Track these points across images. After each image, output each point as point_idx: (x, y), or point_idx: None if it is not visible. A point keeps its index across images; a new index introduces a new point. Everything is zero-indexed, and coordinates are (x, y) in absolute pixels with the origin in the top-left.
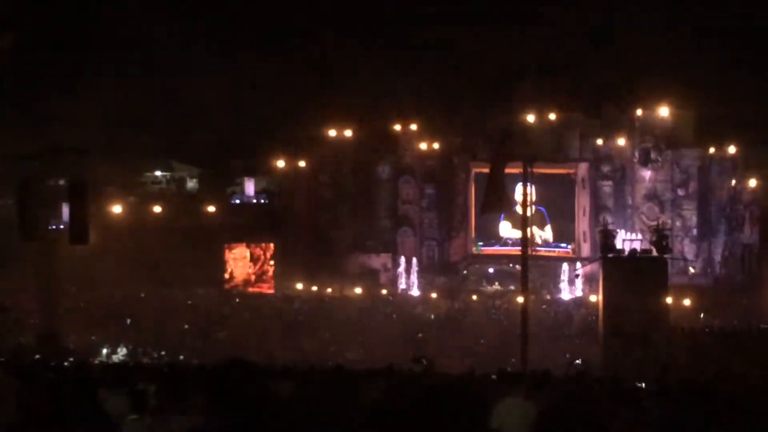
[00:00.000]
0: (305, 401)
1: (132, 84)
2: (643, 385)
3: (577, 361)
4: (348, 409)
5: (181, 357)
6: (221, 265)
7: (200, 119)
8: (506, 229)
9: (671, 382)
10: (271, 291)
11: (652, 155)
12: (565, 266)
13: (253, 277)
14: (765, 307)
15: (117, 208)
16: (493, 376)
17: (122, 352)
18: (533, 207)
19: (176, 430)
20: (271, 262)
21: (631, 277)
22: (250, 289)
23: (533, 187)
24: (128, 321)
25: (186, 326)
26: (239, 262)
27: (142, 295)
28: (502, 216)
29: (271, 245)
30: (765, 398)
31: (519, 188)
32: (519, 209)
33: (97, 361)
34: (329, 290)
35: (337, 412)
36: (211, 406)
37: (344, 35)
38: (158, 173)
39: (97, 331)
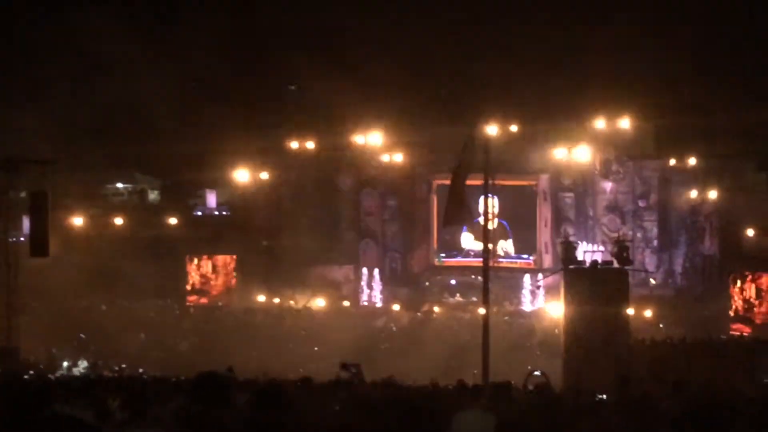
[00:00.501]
0: (270, 413)
1: (94, 95)
2: (604, 396)
3: (536, 373)
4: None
5: (141, 370)
6: (183, 277)
7: (163, 130)
8: (468, 241)
9: (631, 394)
10: (233, 303)
11: (614, 167)
12: (526, 278)
13: (214, 289)
14: (725, 317)
15: (78, 220)
16: (454, 388)
17: (83, 365)
18: (496, 220)
19: None
20: (233, 274)
21: (592, 289)
22: (212, 301)
23: (496, 200)
24: (88, 334)
25: (146, 338)
26: (201, 274)
27: (103, 307)
28: (465, 228)
29: (233, 257)
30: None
31: (482, 200)
32: (481, 221)
33: (57, 375)
34: (291, 302)
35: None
36: (176, 420)
37: (306, 47)
38: (120, 185)
39: (58, 344)
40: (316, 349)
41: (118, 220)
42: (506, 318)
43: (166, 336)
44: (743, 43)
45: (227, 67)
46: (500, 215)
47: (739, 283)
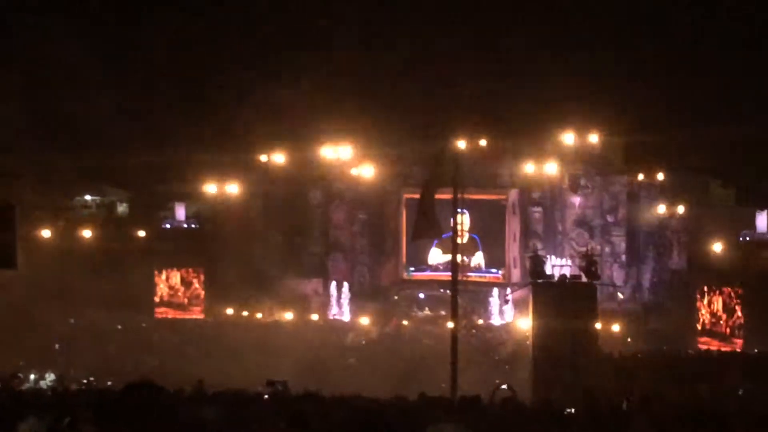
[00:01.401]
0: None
1: (61, 107)
2: (573, 410)
3: (503, 386)
4: None
5: (110, 383)
6: (151, 290)
7: (132, 143)
8: (438, 256)
9: (598, 406)
10: (202, 316)
11: (582, 182)
12: (495, 291)
13: (183, 303)
14: (692, 332)
15: (46, 233)
16: (422, 401)
17: (50, 377)
18: (467, 234)
19: None
20: (202, 288)
21: (560, 303)
22: (181, 315)
23: (467, 215)
24: (56, 346)
25: (114, 351)
26: (169, 286)
27: (71, 320)
28: (435, 242)
29: (202, 270)
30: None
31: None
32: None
33: (25, 388)
34: (260, 315)
35: None
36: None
37: (276, 59)
38: (89, 197)
39: (25, 356)
40: (285, 362)
41: (87, 233)
42: (474, 332)
43: (135, 349)
44: (712, 60)
45: (195, 80)
46: (471, 230)
47: (706, 297)
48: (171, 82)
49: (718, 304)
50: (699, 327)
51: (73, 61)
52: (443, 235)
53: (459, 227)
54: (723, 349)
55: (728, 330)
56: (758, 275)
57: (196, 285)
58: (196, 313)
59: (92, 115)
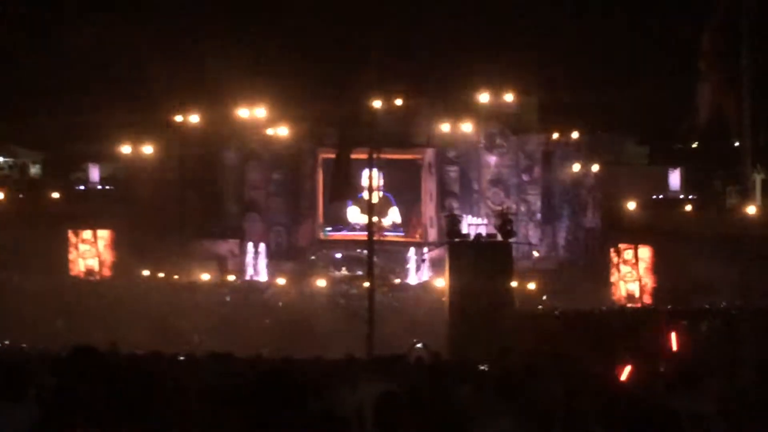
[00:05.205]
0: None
1: None
2: (487, 367)
3: (419, 345)
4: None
5: (24, 345)
6: (65, 252)
7: (44, 103)
8: (354, 215)
9: (512, 364)
10: (116, 277)
11: (498, 141)
12: (411, 251)
13: (97, 264)
14: (606, 290)
15: None
16: (341, 360)
17: None
18: (381, 193)
19: (18, 420)
20: (117, 249)
21: (476, 262)
22: (95, 276)
23: (380, 173)
24: None
25: (28, 313)
26: (83, 248)
27: None
28: (350, 202)
29: (116, 232)
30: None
31: (366, 174)
32: (366, 195)
33: None
34: (176, 276)
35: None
36: (54, 396)
37: (191, 20)
38: (0, 159)
39: None
40: (201, 323)
41: None
42: (390, 291)
43: (48, 311)
44: (626, 19)
45: (111, 39)
46: (385, 188)
47: (620, 255)
48: (84, 41)
49: (631, 262)
50: (613, 285)
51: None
52: (359, 195)
53: (372, 186)
54: (636, 305)
55: (640, 288)
56: (669, 233)
57: (111, 246)
58: (111, 275)
59: (1, 74)
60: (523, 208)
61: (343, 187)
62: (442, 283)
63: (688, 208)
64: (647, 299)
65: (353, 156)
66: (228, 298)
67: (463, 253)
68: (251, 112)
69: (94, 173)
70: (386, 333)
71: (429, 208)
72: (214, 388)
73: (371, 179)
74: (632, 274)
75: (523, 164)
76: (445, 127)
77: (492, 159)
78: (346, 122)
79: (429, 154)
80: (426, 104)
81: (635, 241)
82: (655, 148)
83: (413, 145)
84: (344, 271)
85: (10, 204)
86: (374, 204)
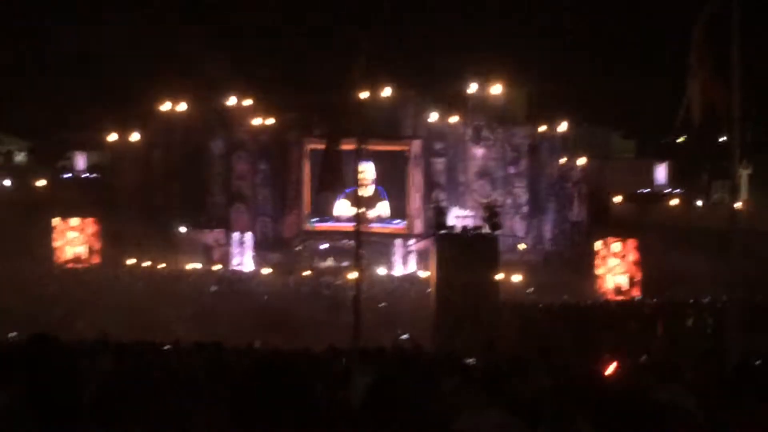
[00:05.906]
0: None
1: None
2: (473, 360)
3: (404, 336)
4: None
5: (11, 335)
6: (50, 240)
7: (30, 91)
8: (345, 208)
9: (497, 357)
10: (102, 266)
11: (484, 133)
12: (398, 242)
13: (83, 253)
14: (591, 283)
15: None
16: (326, 352)
17: None
18: (373, 186)
19: None
20: (103, 237)
21: (462, 254)
22: (81, 264)
23: (372, 166)
24: None
25: (14, 302)
26: (69, 237)
27: None
28: (340, 195)
29: (102, 220)
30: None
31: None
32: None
33: None
34: (162, 266)
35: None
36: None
37: (178, 10)
38: None
39: None
40: (187, 313)
41: None
42: (376, 282)
43: (34, 299)
44: (616, 13)
45: (97, 29)
46: (377, 181)
47: (605, 248)
48: (71, 30)
49: (619, 254)
50: (598, 278)
51: None
52: (347, 189)
53: (363, 178)
54: (624, 298)
55: (626, 281)
56: (653, 226)
57: (97, 235)
58: (97, 264)
59: None
60: (509, 201)
61: (332, 180)
62: (427, 274)
63: (675, 201)
64: (635, 292)
65: (342, 147)
66: (213, 288)
67: (448, 245)
68: (238, 102)
69: (80, 161)
70: (371, 324)
71: (415, 200)
72: (201, 379)
73: (356, 172)
74: (620, 267)
75: (509, 157)
76: (432, 119)
77: (479, 151)
78: (334, 113)
79: (416, 146)
80: (414, 96)
81: (620, 235)
82: (642, 141)
83: (400, 136)
84: (330, 262)
85: None
86: (365, 197)
